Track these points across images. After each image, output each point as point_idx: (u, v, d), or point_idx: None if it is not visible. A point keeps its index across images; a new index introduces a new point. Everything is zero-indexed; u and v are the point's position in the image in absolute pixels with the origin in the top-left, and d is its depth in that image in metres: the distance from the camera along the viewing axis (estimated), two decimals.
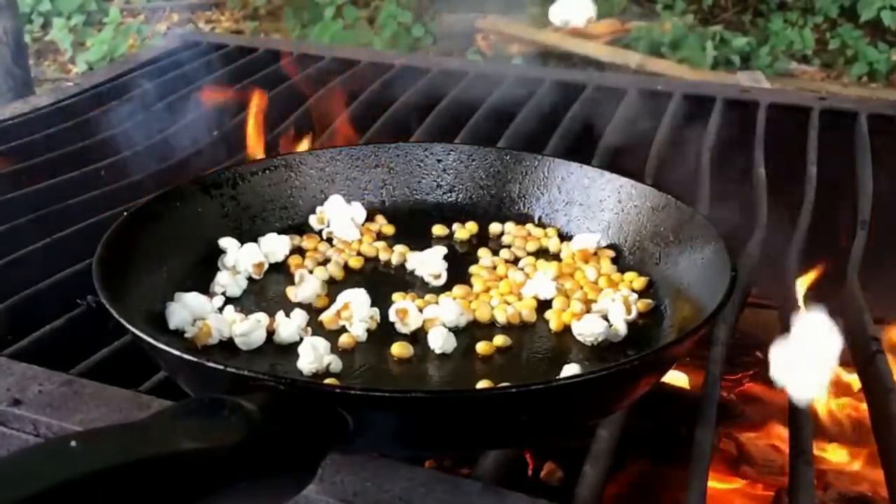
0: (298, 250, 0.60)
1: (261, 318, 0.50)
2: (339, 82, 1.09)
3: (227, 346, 0.50)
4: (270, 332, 0.50)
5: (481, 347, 0.50)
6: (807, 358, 0.47)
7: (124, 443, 0.28)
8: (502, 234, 0.63)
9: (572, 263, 0.59)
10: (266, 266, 0.58)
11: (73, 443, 0.26)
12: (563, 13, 0.56)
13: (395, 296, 0.54)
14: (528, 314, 0.53)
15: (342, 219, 0.62)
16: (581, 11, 0.56)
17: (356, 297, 0.52)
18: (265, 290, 0.57)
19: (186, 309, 0.51)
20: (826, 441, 0.64)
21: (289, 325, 0.50)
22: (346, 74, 1.12)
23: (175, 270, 0.55)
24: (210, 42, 1.25)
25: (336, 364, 0.48)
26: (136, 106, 0.99)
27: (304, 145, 0.92)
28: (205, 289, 0.54)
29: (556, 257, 0.60)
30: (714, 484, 0.57)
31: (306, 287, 0.53)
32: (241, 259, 0.57)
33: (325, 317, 0.52)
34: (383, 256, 0.60)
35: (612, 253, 0.60)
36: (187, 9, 3.36)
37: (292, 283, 0.57)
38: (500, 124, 0.96)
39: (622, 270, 0.58)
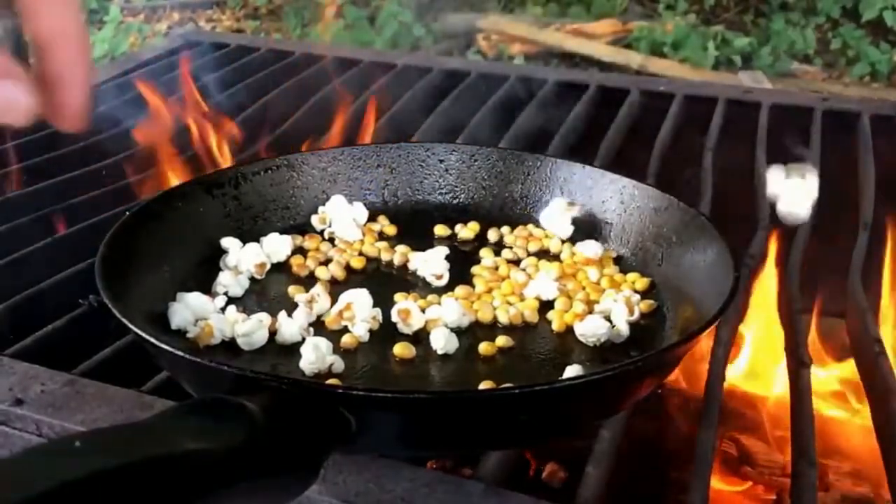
0: (300, 250, 0.60)
1: (263, 318, 0.50)
2: (340, 82, 1.09)
3: (229, 347, 0.50)
4: (272, 333, 0.50)
5: (483, 348, 0.50)
6: None
7: (128, 443, 0.28)
8: (504, 234, 0.63)
9: (574, 264, 0.58)
10: (268, 266, 0.58)
11: (76, 443, 0.26)
12: (789, 207, 0.52)
13: (398, 296, 0.54)
14: (531, 315, 0.53)
15: (344, 219, 0.62)
16: (805, 200, 0.51)
17: (358, 297, 0.52)
18: (267, 290, 0.56)
19: (188, 309, 0.50)
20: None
21: (291, 325, 0.50)
22: (347, 74, 1.12)
23: (177, 270, 0.55)
24: (211, 41, 1.25)
25: (338, 364, 0.48)
26: (137, 105, 0.99)
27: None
28: (207, 289, 0.54)
29: (558, 258, 0.60)
30: (716, 485, 0.57)
31: (321, 303, 0.53)
32: (243, 259, 0.57)
33: (328, 317, 0.52)
34: (385, 257, 0.60)
35: (614, 254, 0.60)
36: (188, 8, 3.36)
37: (294, 283, 0.57)
38: (502, 124, 0.96)
39: (624, 271, 0.58)
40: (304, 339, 0.50)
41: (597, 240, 0.60)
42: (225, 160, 0.88)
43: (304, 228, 0.63)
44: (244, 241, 0.58)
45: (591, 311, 0.53)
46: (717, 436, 0.52)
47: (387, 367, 0.49)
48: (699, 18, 3.18)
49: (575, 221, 0.61)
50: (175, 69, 1.10)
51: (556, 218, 0.61)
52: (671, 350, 0.46)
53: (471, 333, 0.52)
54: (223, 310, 0.53)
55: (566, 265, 0.58)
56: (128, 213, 0.54)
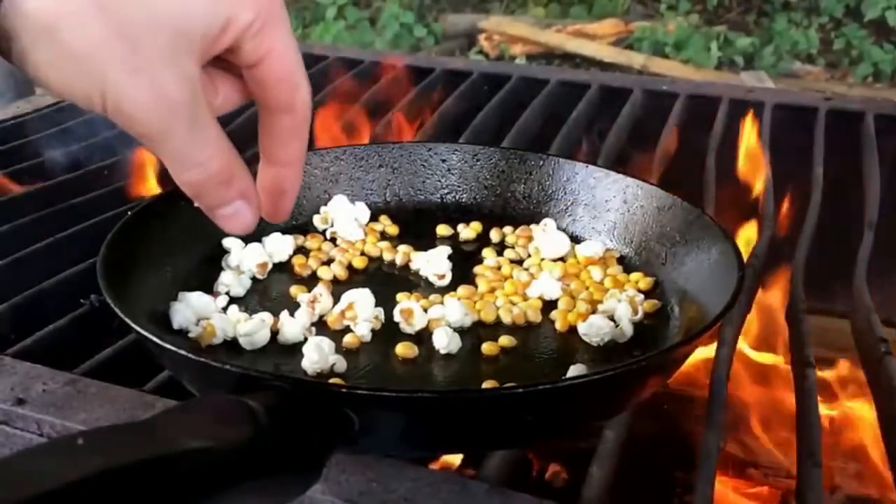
0: (302, 250, 0.60)
1: (265, 317, 0.50)
2: (341, 82, 1.09)
3: (231, 346, 0.50)
4: (274, 332, 0.50)
5: (486, 348, 0.50)
6: None
7: (130, 441, 0.28)
8: (506, 234, 0.62)
9: (577, 264, 0.58)
10: (270, 266, 0.58)
11: (79, 441, 0.26)
12: None
13: (400, 296, 0.54)
14: (534, 314, 0.53)
15: (346, 219, 0.62)
16: None
17: (360, 297, 0.51)
18: (269, 290, 0.56)
19: (190, 308, 0.50)
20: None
21: (293, 325, 0.50)
22: (349, 74, 1.12)
23: (179, 270, 0.54)
24: None
25: (340, 364, 0.48)
26: None
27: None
28: (208, 288, 0.54)
29: (561, 258, 0.60)
30: (720, 486, 0.57)
31: (324, 303, 0.53)
32: (244, 259, 0.57)
33: (330, 317, 0.52)
34: (387, 256, 0.60)
35: (617, 253, 0.59)
36: None
37: (296, 282, 0.57)
38: (505, 124, 0.96)
39: (628, 271, 0.58)
40: (306, 339, 0.49)
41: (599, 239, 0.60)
42: None
43: (306, 228, 0.62)
44: (246, 241, 0.58)
45: (594, 311, 0.53)
46: (722, 437, 0.52)
47: (389, 367, 0.49)
48: (701, 19, 3.18)
49: (577, 212, 0.61)
50: None
51: (549, 238, 0.60)
52: (674, 350, 0.45)
53: (474, 333, 0.52)
54: (225, 309, 0.52)
55: (569, 265, 0.58)
56: (129, 212, 0.54)
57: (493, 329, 0.52)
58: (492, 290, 0.55)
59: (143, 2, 0.28)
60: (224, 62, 0.33)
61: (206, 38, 0.31)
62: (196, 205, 0.36)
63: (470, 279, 0.57)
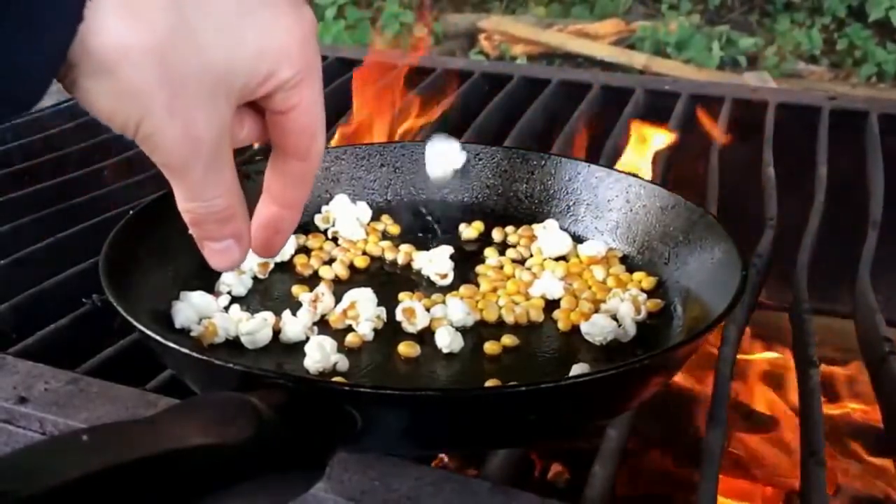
0: (304, 249, 0.60)
1: (267, 316, 0.50)
2: (341, 83, 1.09)
3: (233, 345, 0.50)
4: (276, 331, 0.50)
5: (489, 347, 0.50)
6: None
7: (135, 438, 0.28)
8: (508, 234, 0.62)
9: (580, 263, 0.58)
10: (271, 265, 0.58)
11: (84, 437, 0.26)
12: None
13: (402, 295, 0.54)
14: (536, 314, 0.53)
15: (348, 218, 0.62)
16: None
17: (362, 296, 0.51)
18: (270, 290, 0.56)
19: (192, 308, 0.50)
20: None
21: (295, 324, 0.50)
22: (349, 75, 1.12)
23: (180, 269, 0.54)
24: None
25: (343, 363, 0.48)
26: None
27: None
28: (210, 288, 0.54)
29: (564, 257, 0.60)
30: (724, 486, 0.56)
31: (326, 303, 0.53)
32: (246, 258, 0.56)
33: (332, 316, 0.52)
34: (389, 256, 0.60)
35: (620, 253, 0.59)
36: None
37: (298, 282, 0.56)
38: (506, 124, 0.96)
39: (631, 270, 0.57)
40: (308, 338, 0.49)
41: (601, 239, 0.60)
42: None
43: (307, 227, 0.62)
44: None
45: (597, 310, 0.53)
46: (725, 436, 0.52)
47: (391, 366, 0.49)
48: (703, 19, 3.18)
49: (579, 211, 0.61)
50: None
51: (550, 238, 0.60)
52: (677, 349, 0.45)
53: (476, 332, 0.52)
54: (227, 309, 0.52)
55: (572, 264, 0.58)
56: (131, 212, 0.54)
57: (496, 328, 0.52)
58: (494, 290, 0.55)
59: (196, 53, 0.30)
60: (252, 101, 0.35)
61: (245, 88, 0.33)
62: (189, 232, 0.37)
63: (472, 279, 0.57)
